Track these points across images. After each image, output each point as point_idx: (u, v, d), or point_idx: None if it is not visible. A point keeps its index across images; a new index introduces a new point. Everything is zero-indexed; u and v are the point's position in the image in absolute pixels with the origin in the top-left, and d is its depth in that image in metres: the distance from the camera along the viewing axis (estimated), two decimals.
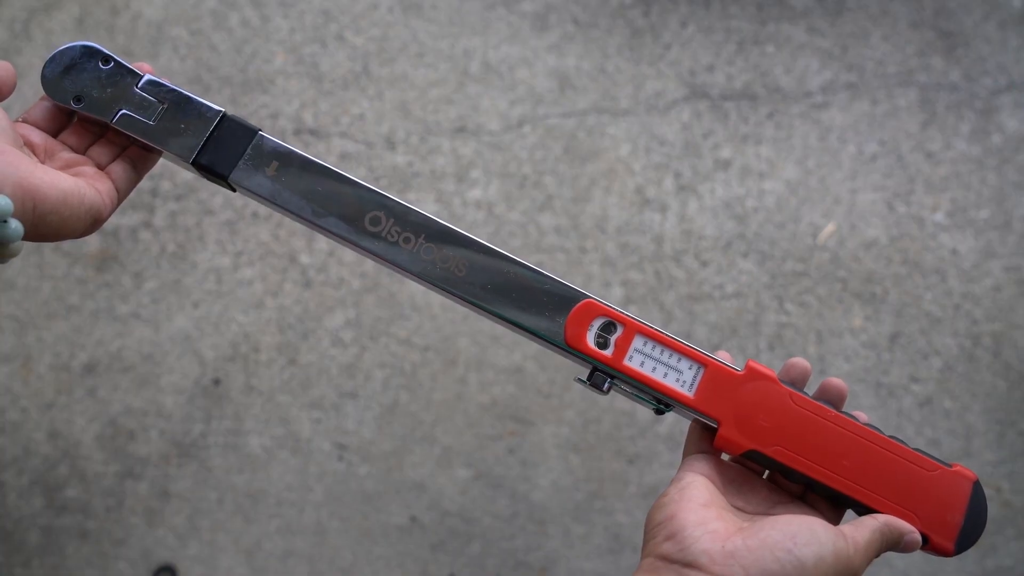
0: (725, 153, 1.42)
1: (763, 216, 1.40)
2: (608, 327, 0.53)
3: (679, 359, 0.52)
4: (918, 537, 0.51)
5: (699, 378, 0.52)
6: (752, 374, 0.53)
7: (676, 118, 1.42)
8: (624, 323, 0.53)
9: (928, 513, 0.52)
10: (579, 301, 0.54)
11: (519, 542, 1.32)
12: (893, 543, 0.50)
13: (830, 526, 0.47)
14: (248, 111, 1.41)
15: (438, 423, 1.34)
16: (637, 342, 0.53)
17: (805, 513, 0.52)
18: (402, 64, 1.43)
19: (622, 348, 0.53)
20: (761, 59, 1.45)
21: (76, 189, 0.52)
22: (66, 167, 0.55)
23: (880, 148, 1.43)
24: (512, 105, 1.42)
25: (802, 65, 1.45)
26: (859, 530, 0.48)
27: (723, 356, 0.55)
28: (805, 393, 0.53)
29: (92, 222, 0.53)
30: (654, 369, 0.53)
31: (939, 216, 1.41)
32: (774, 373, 0.54)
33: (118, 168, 0.57)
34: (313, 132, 1.41)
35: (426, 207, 1.37)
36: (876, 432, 0.53)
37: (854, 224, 1.40)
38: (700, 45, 1.45)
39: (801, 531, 0.46)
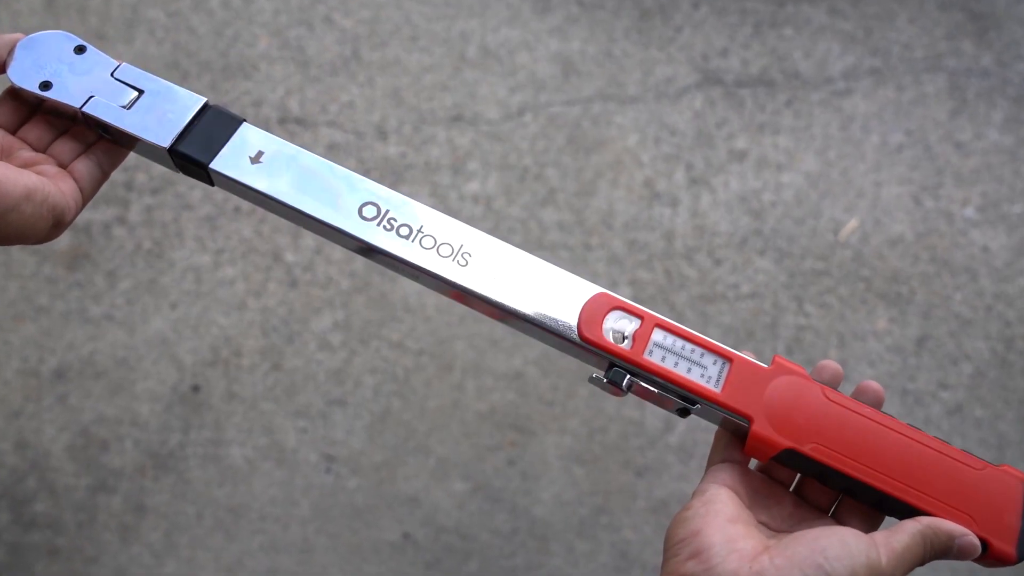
0: (740, 143, 1.42)
1: (781, 211, 1.40)
2: (624, 321, 0.53)
3: (702, 354, 0.52)
4: (975, 540, 0.49)
5: (725, 373, 0.51)
6: (780, 368, 0.52)
7: (688, 106, 1.42)
8: (641, 316, 0.52)
9: (983, 515, 0.50)
10: (592, 293, 0.53)
11: (519, 560, 1.31)
12: (942, 548, 0.48)
13: (862, 535, 0.46)
14: (229, 98, 1.41)
15: (433, 432, 1.34)
16: (656, 336, 0.52)
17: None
18: (394, 48, 1.43)
19: (641, 342, 0.52)
20: (779, 42, 1.45)
21: (40, 186, 0.51)
22: (25, 166, 0.54)
23: (906, 138, 1.43)
24: (512, 92, 1.42)
25: (823, 49, 1.45)
26: (895, 535, 0.47)
27: (748, 354, 0.54)
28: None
29: (55, 224, 0.52)
30: (676, 364, 0.52)
31: (969, 211, 1.41)
32: (803, 369, 0.53)
33: (81, 166, 0.56)
34: (299, 121, 1.40)
35: (420, 201, 1.36)
36: (917, 430, 0.52)
37: (878, 219, 1.40)
38: (713, 27, 1.45)
39: (831, 544, 0.45)
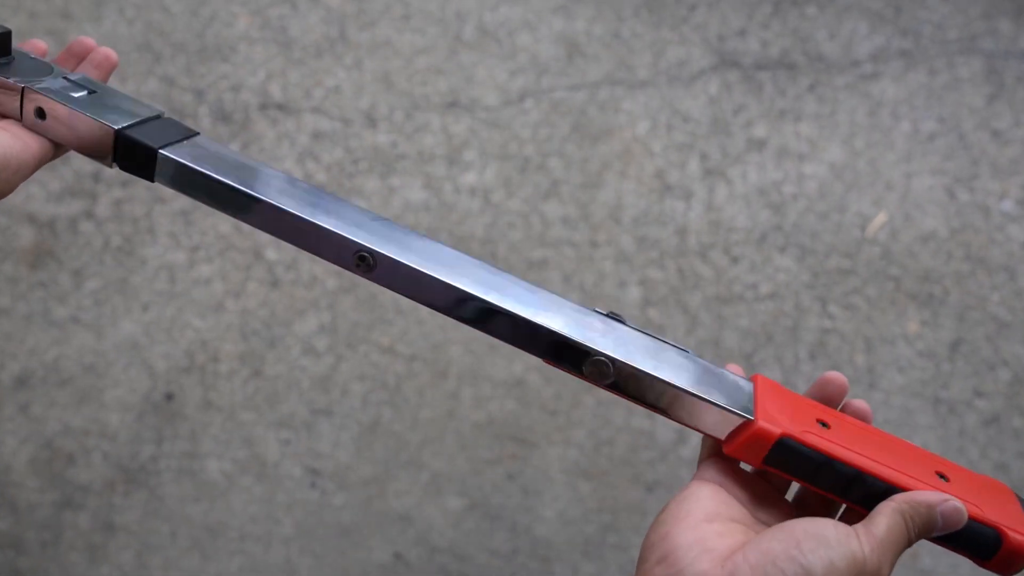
0: (759, 131, 1.42)
1: (803, 205, 1.40)
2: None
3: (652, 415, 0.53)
4: (959, 504, 0.47)
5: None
6: (736, 447, 0.51)
7: (702, 91, 1.42)
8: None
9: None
10: (548, 344, 0.53)
11: None
12: (924, 523, 0.48)
13: (842, 525, 0.46)
14: (206, 83, 1.41)
15: (426, 445, 1.34)
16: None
17: None
18: (384, 28, 1.42)
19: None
20: (801, 22, 1.45)
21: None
22: None
23: (939, 126, 1.42)
24: (512, 76, 1.42)
25: (848, 29, 1.44)
26: (872, 521, 0.47)
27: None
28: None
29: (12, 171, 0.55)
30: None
31: (1007, 204, 1.41)
32: (758, 466, 0.51)
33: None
34: (281, 107, 1.41)
35: (412, 194, 1.39)
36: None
37: (909, 214, 1.40)
38: (730, 6, 1.45)
39: (806, 536, 0.45)
